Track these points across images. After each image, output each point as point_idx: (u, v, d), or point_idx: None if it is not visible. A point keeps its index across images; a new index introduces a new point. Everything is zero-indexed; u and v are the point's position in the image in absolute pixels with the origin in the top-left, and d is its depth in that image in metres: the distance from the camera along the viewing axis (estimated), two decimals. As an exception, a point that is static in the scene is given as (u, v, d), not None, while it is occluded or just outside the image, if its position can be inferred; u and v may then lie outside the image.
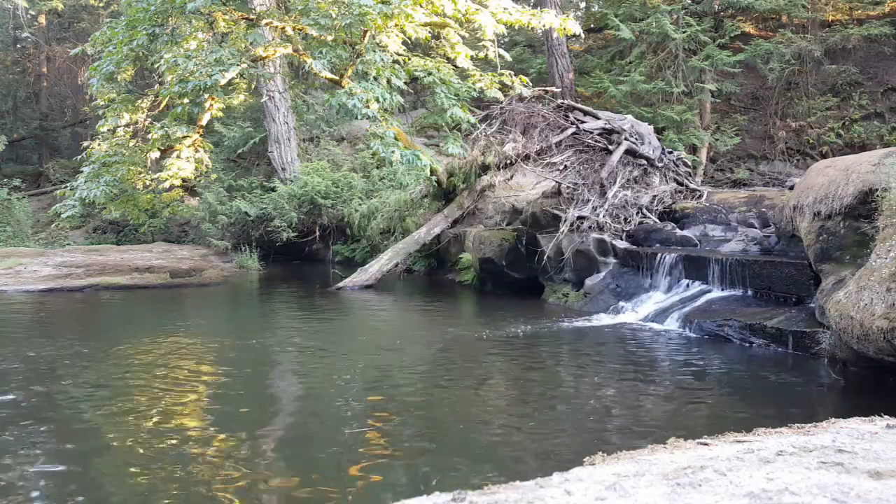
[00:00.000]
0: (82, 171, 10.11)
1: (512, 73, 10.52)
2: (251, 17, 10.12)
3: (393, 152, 8.76)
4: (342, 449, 3.59)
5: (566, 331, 6.80)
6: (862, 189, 5.17)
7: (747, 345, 5.82)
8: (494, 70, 10.83)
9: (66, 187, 10.43)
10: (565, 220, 8.54)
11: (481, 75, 10.79)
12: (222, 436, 3.79)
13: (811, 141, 14.23)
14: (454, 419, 4.10)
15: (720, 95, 14.56)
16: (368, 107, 8.65)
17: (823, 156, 12.89)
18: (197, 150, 10.27)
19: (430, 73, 10.36)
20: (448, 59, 11.01)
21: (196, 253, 13.98)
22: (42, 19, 23.47)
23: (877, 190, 4.96)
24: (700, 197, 9.25)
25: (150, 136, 10.10)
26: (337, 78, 9.73)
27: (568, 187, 9.08)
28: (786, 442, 2.40)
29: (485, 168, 10.59)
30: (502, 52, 11.14)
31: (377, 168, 14.50)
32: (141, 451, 3.56)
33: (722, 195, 9.15)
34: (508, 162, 9.93)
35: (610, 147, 9.26)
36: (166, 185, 10.25)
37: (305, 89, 16.46)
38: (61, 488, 3.13)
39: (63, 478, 3.26)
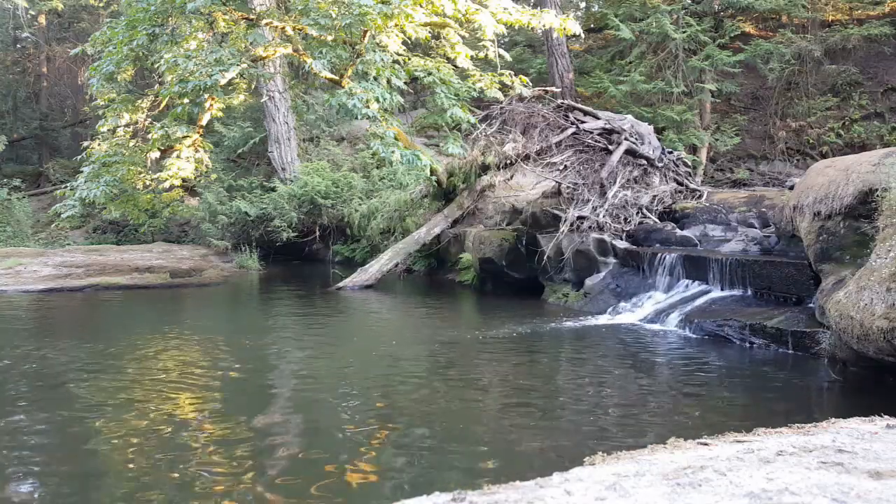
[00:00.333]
0: (82, 171, 10.11)
1: (512, 73, 10.51)
2: (251, 17, 10.12)
3: (393, 152, 8.76)
4: (342, 449, 3.59)
5: (566, 331, 6.80)
6: (862, 189, 5.17)
7: (747, 345, 5.82)
8: (494, 70, 10.83)
9: (66, 187, 10.43)
10: (565, 220, 8.54)
11: (481, 75, 10.79)
12: (222, 436, 3.79)
13: (811, 141, 14.23)
14: (454, 419, 4.10)
15: (720, 95, 14.56)
16: (368, 107, 8.65)
17: (823, 156, 12.89)
18: (197, 150, 10.27)
19: (430, 73, 10.36)
20: (448, 59, 11.00)
21: (196, 253, 13.98)
22: (42, 19, 23.47)
23: (877, 190, 4.95)
24: (700, 197, 9.25)
25: (150, 136, 10.10)
26: (337, 78, 9.73)
27: (568, 187, 9.08)
28: (786, 442, 2.40)
29: (485, 168, 10.59)
30: (502, 52, 11.14)
31: (377, 168, 14.49)
32: (140, 450, 3.55)
33: (722, 195, 9.15)
34: (508, 162, 9.92)
35: (610, 147, 9.26)
36: (166, 185, 10.25)
37: (305, 89, 16.46)
38: (60, 487, 3.13)
39: (62, 477, 3.26)
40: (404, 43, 9.94)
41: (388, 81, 9.08)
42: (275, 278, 12.02)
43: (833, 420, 2.89)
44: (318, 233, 14.12)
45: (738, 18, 15.30)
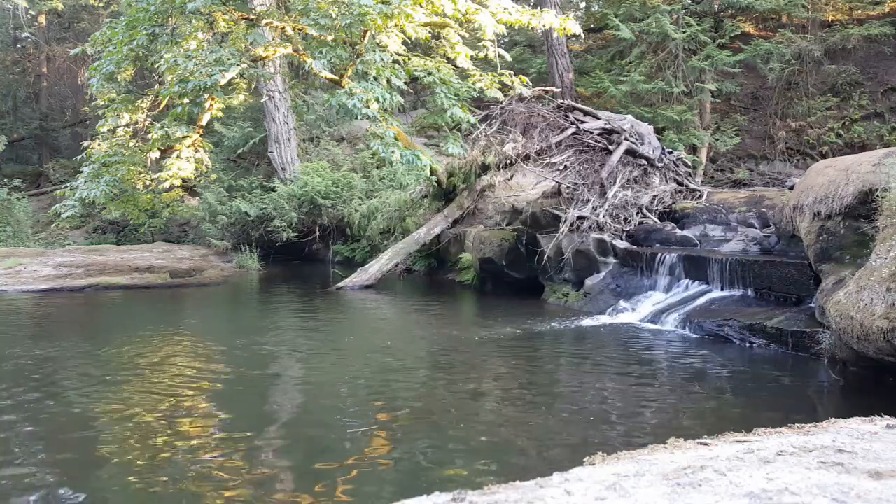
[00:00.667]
0: (82, 171, 10.11)
1: (512, 73, 10.52)
2: (251, 17, 10.12)
3: (393, 152, 8.76)
4: (342, 448, 3.59)
5: (566, 331, 6.80)
6: (862, 189, 5.17)
7: (747, 345, 5.82)
8: (494, 70, 10.83)
9: (66, 187, 10.43)
10: (565, 220, 8.54)
11: (481, 75, 10.79)
12: (221, 435, 3.80)
13: (811, 141, 14.23)
14: (454, 419, 4.10)
15: (720, 95, 14.56)
16: (368, 107, 8.65)
17: (823, 156, 12.89)
18: (197, 150, 10.27)
19: (430, 73, 10.36)
20: (448, 59, 11.01)
21: (196, 253, 13.98)
22: (42, 19, 23.47)
23: (877, 190, 4.95)
24: (700, 197, 9.25)
25: (150, 136, 10.10)
26: (337, 78, 9.73)
27: (568, 187, 9.08)
28: (786, 442, 2.40)
29: (485, 168, 10.59)
30: (502, 52, 11.14)
31: (377, 168, 14.50)
32: (140, 450, 3.55)
33: (722, 195, 9.15)
34: (508, 162, 9.93)
35: (610, 147, 9.26)
36: (166, 185, 10.25)
37: (305, 89, 16.46)
38: (59, 488, 3.13)
39: (61, 477, 3.25)
40: (404, 43, 9.94)
41: (388, 81, 9.08)
42: (275, 278, 12.02)
43: (833, 420, 2.89)
44: (318, 233, 14.13)
45: (738, 18, 15.30)
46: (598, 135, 9.44)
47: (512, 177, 10.96)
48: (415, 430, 3.92)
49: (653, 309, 7.12)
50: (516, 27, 10.84)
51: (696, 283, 7.17)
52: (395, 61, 9.62)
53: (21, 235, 17.08)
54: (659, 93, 14.17)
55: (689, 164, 10.94)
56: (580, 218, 8.56)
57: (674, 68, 14.15)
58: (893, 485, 1.88)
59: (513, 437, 3.75)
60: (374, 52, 9.16)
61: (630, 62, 15.07)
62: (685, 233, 8.20)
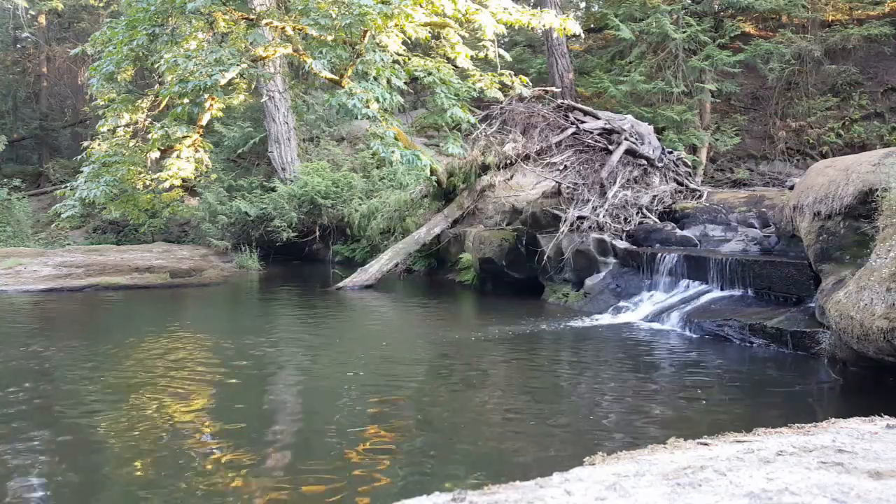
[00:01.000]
0: (82, 171, 10.11)
1: (512, 73, 10.51)
2: (251, 17, 10.12)
3: (393, 152, 8.76)
4: (342, 448, 3.59)
5: (566, 331, 6.80)
6: (862, 189, 5.17)
7: (747, 345, 5.82)
8: (494, 70, 10.83)
9: (66, 187, 10.43)
10: (565, 220, 8.54)
11: (481, 75, 10.79)
12: (221, 435, 3.80)
13: (811, 141, 14.23)
14: (454, 419, 4.10)
15: (720, 95, 14.56)
16: (368, 107, 8.65)
17: (823, 156, 12.90)
18: (197, 150, 10.27)
19: (430, 73, 10.36)
20: (448, 59, 11.00)
21: (196, 253, 13.98)
22: (42, 19, 23.47)
23: (877, 190, 4.95)
24: (700, 197, 9.25)
25: (150, 136, 10.10)
26: (337, 78, 9.73)
27: (568, 187, 9.08)
28: (786, 442, 2.40)
29: (485, 168, 10.59)
30: (502, 52, 11.14)
31: (377, 168, 14.49)
32: (140, 450, 3.56)
33: (722, 195, 9.15)
34: (508, 162, 9.92)
35: (610, 147, 9.26)
36: (166, 185, 10.25)
37: (305, 89, 16.46)
38: (59, 488, 3.13)
39: (61, 477, 3.25)
40: (404, 43, 9.94)
41: (388, 81, 9.08)
42: (275, 278, 12.02)
43: (833, 420, 2.89)
44: (318, 233, 14.13)
45: (738, 18, 15.30)
46: (598, 135, 9.44)
47: (512, 177, 10.96)
48: (415, 429, 3.93)
49: (653, 309, 7.12)
50: (516, 27, 10.84)
51: (696, 283, 7.17)
52: (395, 61, 9.62)
53: (21, 235, 17.08)
54: (659, 93, 14.17)
55: (689, 164, 10.94)
56: (580, 218, 8.56)
57: (674, 68, 14.15)
58: (893, 485, 1.88)
59: (513, 437, 3.75)
60: (374, 52, 9.16)
61: (630, 62, 15.07)
62: (685, 233, 8.20)
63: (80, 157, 10.61)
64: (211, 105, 9.98)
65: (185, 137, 10.06)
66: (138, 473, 3.28)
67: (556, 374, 5.31)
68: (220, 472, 3.26)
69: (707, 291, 6.94)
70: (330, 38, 9.27)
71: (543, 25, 10.38)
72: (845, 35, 14.14)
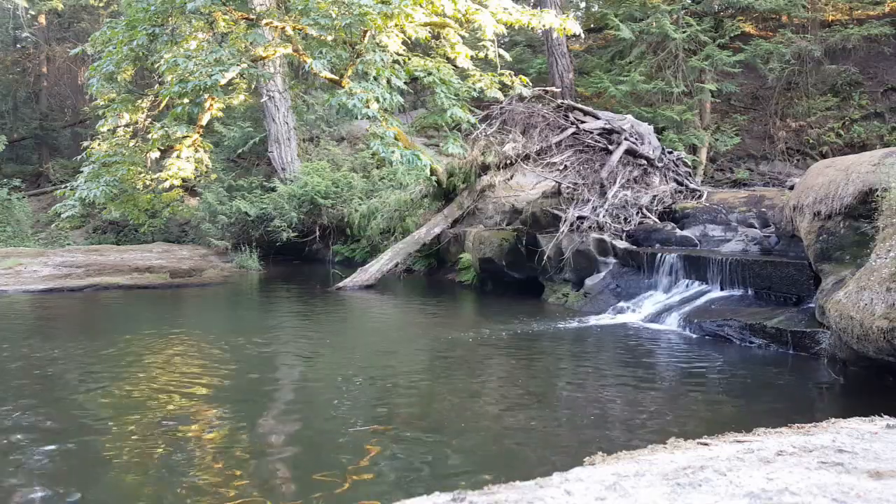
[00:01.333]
0: (82, 171, 10.12)
1: (512, 73, 10.51)
2: (251, 17, 10.12)
3: (393, 152, 8.76)
4: (342, 448, 3.59)
5: (566, 331, 6.80)
6: (862, 189, 5.17)
7: (747, 345, 5.82)
8: (494, 70, 10.83)
9: (66, 187, 10.45)
10: (565, 220, 8.54)
11: (481, 75, 10.79)
12: (221, 436, 3.80)
13: (811, 141, 14.23)
14: (454, 419, 4.10)
15: (720, 95, 14.56)
16: (368, 107, 8.65)
17: (823, 156, 12.89)
18: (197, 150, 10.28)
19: (430, 73, 10.36)
20: (448, 59, 11.00)
21: (196, 253, 13.98)
22: (42, 19, 23.48)
23: (877, 190, 4.95)
24: (700, 197, 9.24)
25: (150, 136, 10.11)
26: (337, 78, 9.73)
27: (568, 187, 9.07)
28: (786, 442, 2.40)
29: (485, 168, 10.59)
30: (502, 52, 11.14)
31: (377, 168, 14.49)
32: (140, 450, 3.56)
33: (722, 195, 9.14)
34: (508, 162, 9.93)
35: (610, 147, 9.26)
36: (166, 185, 10.26)
37: (305, 89, 16.47)
38: (59, 488, 3.12)
39: (61, 477, 3.25)
40: (404, 43, 9.94)
41: (388, 81, 9.08)
42: (275, 278, 12.02)
43: (833, 420, 2.89)
44: (318, 233, 14.12)
45: (738, 18, 15.30)
46: (598, 135, 9.43)
47: (512, 177, 10.95)
48: (415, 429, 3.92)
49: (653, 309, 7.12)
50: (516, 27, 10.84)
51: (696, 283, 7.17)
52: (395, 61, 9.62)
53: (21, 235, 17.09)
54: (659, 93, 14.17)
55: (689, 164, 10.95)
56: (580, 218, 8.56)
57: (674, 68, 14.15)
58: (893, 485, 1.88)
59: (513, 437, 3.75)
60: (374, 52, 9.16)
61: (630, 62, 15.06)
62: (685, 233, 8.20)
63: (80, 157, 10.62)
64: (211, 105, 9.99)
65: (185, 137, 10.06)
66: (138, 473, 3.28)
67: (556, 374, 5.31)
68: (219, 471, 3.26)
69: (707, 291, 6.94)
70: (330, 38, 9.27)
71: (543, 25, 10.38)
72: (845, 35, 14.13)
